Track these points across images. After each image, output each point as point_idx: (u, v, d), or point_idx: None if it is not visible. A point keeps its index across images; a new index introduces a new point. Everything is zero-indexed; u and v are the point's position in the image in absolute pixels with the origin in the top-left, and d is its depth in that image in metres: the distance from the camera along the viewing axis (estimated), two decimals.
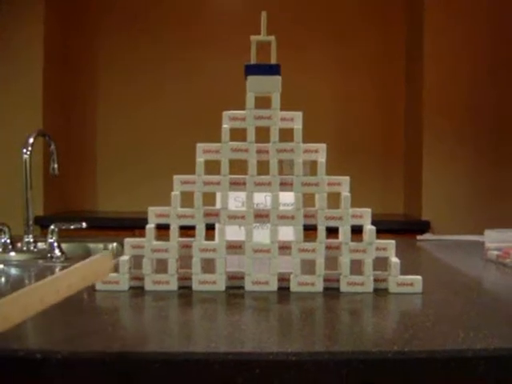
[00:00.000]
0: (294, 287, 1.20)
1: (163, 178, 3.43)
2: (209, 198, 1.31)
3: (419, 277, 1.21)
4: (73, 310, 1.04)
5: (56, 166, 1.89)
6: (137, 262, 1.23)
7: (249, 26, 3.41)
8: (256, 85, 1.24)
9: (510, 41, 3.05)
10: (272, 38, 1.24)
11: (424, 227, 2.95)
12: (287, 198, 1.94)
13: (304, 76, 3.42)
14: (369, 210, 1.23)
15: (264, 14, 1.25)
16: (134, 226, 2.87)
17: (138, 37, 3.42)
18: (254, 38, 1.24)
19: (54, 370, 0.79)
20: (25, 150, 1.77)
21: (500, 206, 3.01)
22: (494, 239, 1.85)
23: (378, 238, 1.21)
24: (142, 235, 1.23)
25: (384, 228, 2.74)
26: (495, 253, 1.67)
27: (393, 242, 1.24)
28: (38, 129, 1.95)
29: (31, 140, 1.78)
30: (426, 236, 2.31)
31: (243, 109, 1.24)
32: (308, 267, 1.23)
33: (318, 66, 3.46)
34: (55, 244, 1.72)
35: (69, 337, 0.87)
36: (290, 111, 1.27)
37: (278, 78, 1.24)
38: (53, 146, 1.87)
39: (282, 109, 1.24)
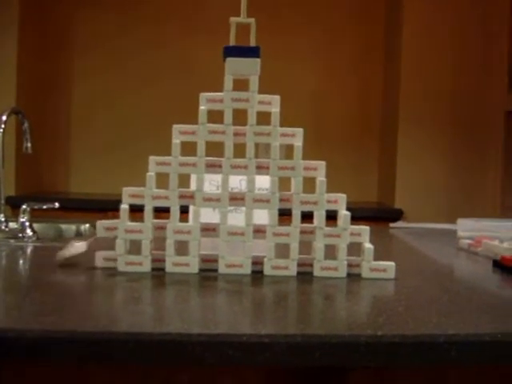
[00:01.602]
0: (267, 271, 1.20)
1: (138, 161, 3.41)
2: (184, 181, 1.30)
3: (392, 263, 1.22)
4: (42, 288, 1.03)
5: (29, 145, 1.86)
6: (110, 244, 1.22)
7: (236, 14, 3.42)
8: (234, 67, 1.23)
9: (491, 30, 3.06)
10: (252, 20, 1.23)
11: (397, 215, 2.96)
12: (263, 182, 1.94)
13: (283, 61, 3.41)
14: (344, 195, 1.23)
15: None
16: (107, 207, 2.85)
17: (117, 23, 3.38)
18: (233, 19, 1.23)
19: (24, 349, 0.78)
20: None
21: (474, 195, 3.04)
22: (467, 228, 1.87)
23: (351, 224, 1.21)
24: (115, 217, 1.22)
25: (358, 215, 2.76)
26: (467, 241, 1.69)
27: (367, 227, 1.24)
28: (11, 107, 1.92)
29: (4, 117, 1.76)
30: (399, 224, 2.33)
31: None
32: (282, 251, 1.23)
33: (297, 51, 3.44)
34: (27, 224, 1.70)
35: (40, 314, 0.86)
36: (268, 95, 1.25)
37: (256, 61, 1.23)
38: (26, 125, 1.85)
39: (260, 93, 1.24)
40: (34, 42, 3.22)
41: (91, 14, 3.39)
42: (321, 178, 1.22)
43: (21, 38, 3.00)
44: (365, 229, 1.23)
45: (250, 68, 1.22)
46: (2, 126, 1.75)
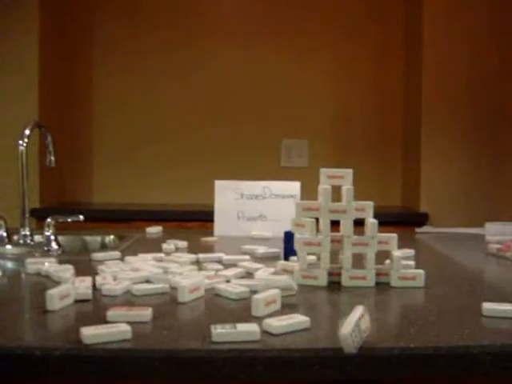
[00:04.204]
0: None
1: (159, 170, 3.43)
2: None
3: (421, 271, 1.20)
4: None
5: (53, 158, 1.87)
6: None
7: (252, 17, 3.43)
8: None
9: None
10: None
11: (422, 219, 2.93)
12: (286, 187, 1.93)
13: (302, 66, 3.40)
14: (371, 203, 1.22)
15: None
16: (131, 218, 2.86)
17: (136, 26, 3.38)
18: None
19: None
20: (21, 142, 1.75)
21: (499, 198, 3.00)
22: (495, 232, 1.84)
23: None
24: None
25: (382, 220, 2.74)
26: (496, 246, 1.66)
27: (395, 235, 1.22)
28: (35, 120, 1.93)
29: (27, 132, 1.76)
30: (426, 229, 2.30)
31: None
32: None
33: (316, 56, 3.43)
34: (52, 237, 1.71)
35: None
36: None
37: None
38: (49, 138, 1.85)
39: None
40: (54, 56, 3.23)
41: (108, 24, 3.39)
42: (348, 185, 1.21)
43: (41, 52, 3.01)
44: (393, 236, 1.22)
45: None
46: (26, 140, 1.75)
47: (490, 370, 0.81)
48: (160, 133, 3.40)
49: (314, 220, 1.20)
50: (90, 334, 0.81)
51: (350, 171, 1.22)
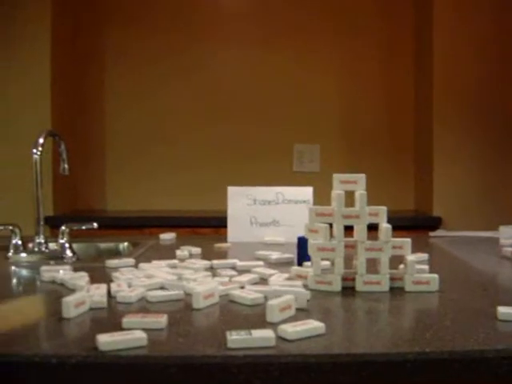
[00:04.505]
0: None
1: (171, 175, 3.44)
2: None
3: (435, 275, 1.20)
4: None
5: (66, 166, 1.88)
6: None
7: (260, 21, 3.43)
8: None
9: None
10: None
11: (435, 223, 2.92)
12: (300, 192, 1.94)
13: (311, 69, 3.40)
14: (384, 208, 1.22)
15: None
16: (144, 224, 2.87)
17: (146, 31, 3.39)
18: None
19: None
20: (35, 151, 1.75)
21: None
22: (509, 235, 1.84)
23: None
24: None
25: (395, 224, 2.74)
26: (510, 249, 1.66)
27: (409, 240, 1.22)
28: (48, 129, 1.95)
29: (41, 140, 1.77)
30: (439, 232, 2.29)
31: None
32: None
33: (325, 58, 3.43)
34: (66, 245, 1.72)
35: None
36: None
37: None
38: (63, 146, 1.86)
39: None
40: (65, 63, 3.25)
41: (117, 31, 3.41)
42: (361, 190, 1.21)
43: (53, 59, 3.03)
44: (406, 241, 1.22)
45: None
46: (40, 148, 1.76)
47: (505, 374, 0.81)
48: (172, 138, 3.41)
49: (327, 225, 1.20)
50: (106, 340, 0.81)
51: (362, 176, 1.22)
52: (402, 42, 3.42)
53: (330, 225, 1.21)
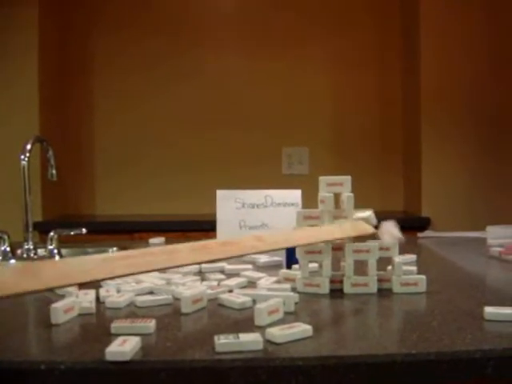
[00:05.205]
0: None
1: (160, 180, 3.44)
2: None
3: (423, 276, 1.20)
4: None
5: (54, 171, 1.88)
6: None
7: (249, 25, 3.44)
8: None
9: (510, 29, 3.03)
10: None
11: (424, 224, 2.93)
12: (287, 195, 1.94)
13: (299, 73, 3.41)
14: (370, 211, 1.23)
15: None
16: (133, 229, 2.87)
17: (136, 37, 3.39)
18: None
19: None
20: (23, 157, 1.75)
21: (500, 202, 3.00)
22: (496, 235, 1.84)
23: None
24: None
25: None
26: (498, 249, 1.67)
27: (395, 242, 1.23)
28: (36, 135, 1.94)
29: (29, 146, 1.77)
30: (427, 233, 2.30)
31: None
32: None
33: (312, 61, 3.44)
34: (55, 251, 1.72)
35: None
36: None
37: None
38: (50, 152, 1.86)
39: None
40: (53, 69, 3.25)
41: (107, 36, 3.41)
42: (347, 193, 1.21)
43: (41, 65, 3.03)
44: (393, 243, 1.22)
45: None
46: (27, 154, 1.76)
47: (492, 374, 0.82)
48: (161, 143, 3.42)
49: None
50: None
51: (348, 178, 1.22)
52: (391, 44, 3.44)
53: None
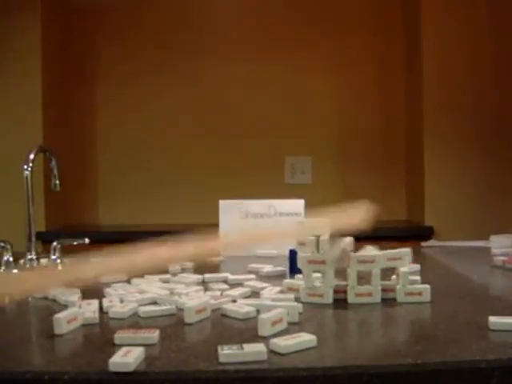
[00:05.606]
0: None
1: (164, 188, 3.44)
2: None
3: (427, 286, 1.20)
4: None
5: (57, 182, 1.87)
6: None
7: (246, 33, 3.44)
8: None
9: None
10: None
11: (428, 233, 2.92)
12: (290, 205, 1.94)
13: (302, 76, 3.41)
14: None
15: None
16: (137, 239, 2.86)
17: (138, 45, 3.40)
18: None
19: None
20: (26, 167, 1.75)
21: (504, 210, 2.99)
22: (500, 245, 1.84)
23: (381, 244, 1.20)
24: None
25: (387, 235, 2.73)
26: (501, 258, 1.66)
27: (407, 250, 1.23)
28: (39, 145, 1.93)
29: (32, 156, 1.77)
30: (431, 242, 2.30)
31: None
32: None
33: (315, 71, 3.43)
34: (58, 261, 1.71)
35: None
36: None
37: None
38: (53, 162, 1.86)
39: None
40: (56, 79, 3.26)
41: (110, 45, 3.42)
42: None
43: (44, 75, 3.03)
44: (405, 251, 1.22)
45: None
46: (30, 164, 1.76)
47: None
48: (165, 152, 3.42)
49: (315, 238, 1.20)
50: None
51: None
52: (394, 54, 3.44)
53: None
